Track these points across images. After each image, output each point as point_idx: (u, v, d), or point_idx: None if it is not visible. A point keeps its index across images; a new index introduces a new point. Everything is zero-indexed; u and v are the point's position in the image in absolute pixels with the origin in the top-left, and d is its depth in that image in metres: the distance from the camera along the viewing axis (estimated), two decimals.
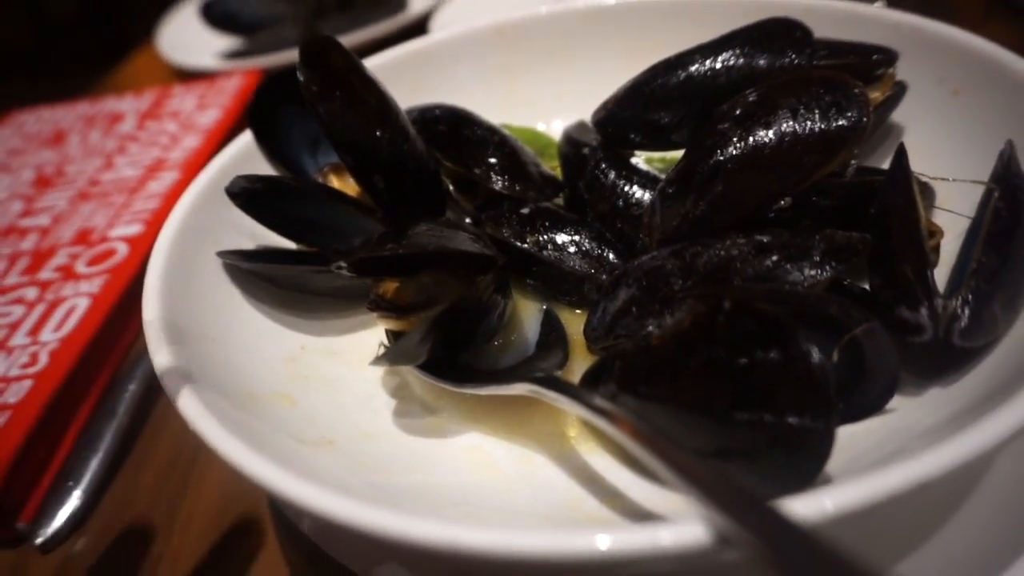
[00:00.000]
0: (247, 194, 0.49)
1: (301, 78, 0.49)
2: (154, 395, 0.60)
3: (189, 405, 0.32)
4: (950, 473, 0.25)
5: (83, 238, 0.75)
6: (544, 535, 0.24)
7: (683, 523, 0.25)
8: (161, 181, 0.83)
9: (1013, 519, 0.34)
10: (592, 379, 0.41)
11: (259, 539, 0.47)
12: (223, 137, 0.90)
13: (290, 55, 1.07)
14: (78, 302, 0.65)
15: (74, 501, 0.52)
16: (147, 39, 1.33)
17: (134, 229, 0.75)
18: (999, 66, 0.45)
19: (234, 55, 1.13)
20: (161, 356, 0.36)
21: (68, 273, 0.69)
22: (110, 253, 0.72)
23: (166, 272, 0.43)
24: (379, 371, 0.48)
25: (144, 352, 0.61)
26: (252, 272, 0.49)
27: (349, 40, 1.04)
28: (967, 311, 0.34)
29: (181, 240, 0.46)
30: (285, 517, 0.46)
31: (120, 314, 0.66)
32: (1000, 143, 0.42)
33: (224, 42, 1.16)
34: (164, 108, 1.00)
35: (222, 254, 0.48)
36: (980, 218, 0.37)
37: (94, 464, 0.54)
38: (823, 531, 0.24)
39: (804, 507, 0.25)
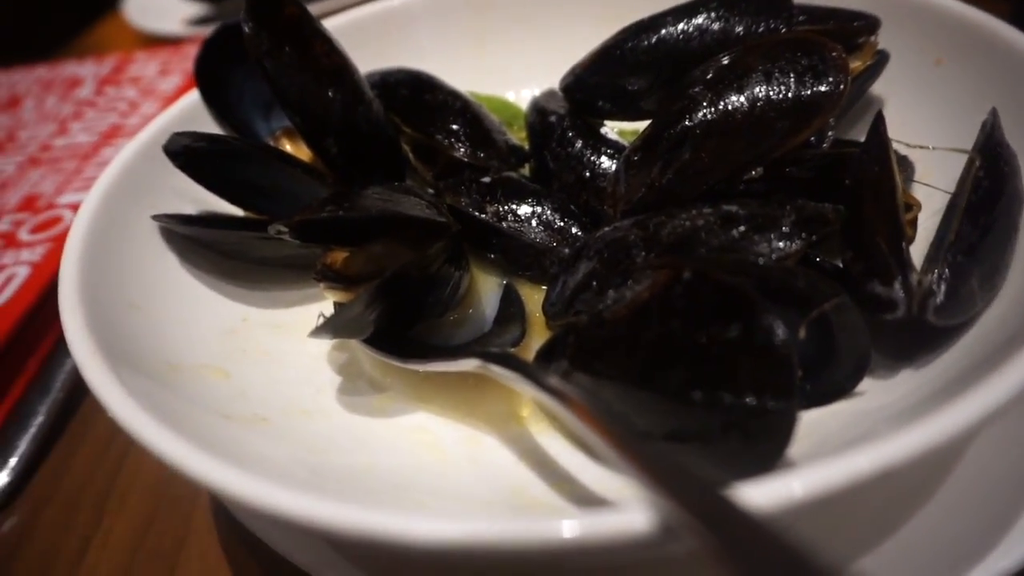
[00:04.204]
0: (188, 153, 0.46)
1: (247, 30, 0.46)
2: None
3: (94, 374, 0.29)
4: (919, 458, 0.23)
5: (29, 205, 0.71)
6: (460, 524, 0.21)
7: (625, 512, 0.22)
8: (116, 148, 0.79)
9: (983, 513, 0.31)
10: (546, 355, 0.38)
11: (194, 523, 0.44)
12: None
13: None
14: (17, 271, 0.61)
15: (1, 479, 0.49)
16: (115, 5, 1.28)
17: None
18: (985, 33, 0.42)
19: (202, 21, 1.09)
20: (72, 321, 0.33)
21: (9, 240, 0.66)
22: (55, 221, 0.68)
23: (90, 233, 0.40)
24: (326, 346, 0.45)
25: None
26: (191, 237, 0.46)
27: (319, 8, 1.00)
28: (943, 287, 0.31)
29: (111, 200, 0.43)
30: (221, 503, 0.44)
31: None
32: (984, 114, 0.39)
33: (193, 8, 1.12)
34: (125, 74, 0.95)
35: (158, 217, 0.45)
36: (960, 192, 0.35)
37: (25, 441, 0.51)
38: (778, 522, 0.22)
39: (760, 495, 0.23)
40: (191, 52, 0.98)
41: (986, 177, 0.34)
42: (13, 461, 0.50)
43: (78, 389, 0.55)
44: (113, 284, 0.38)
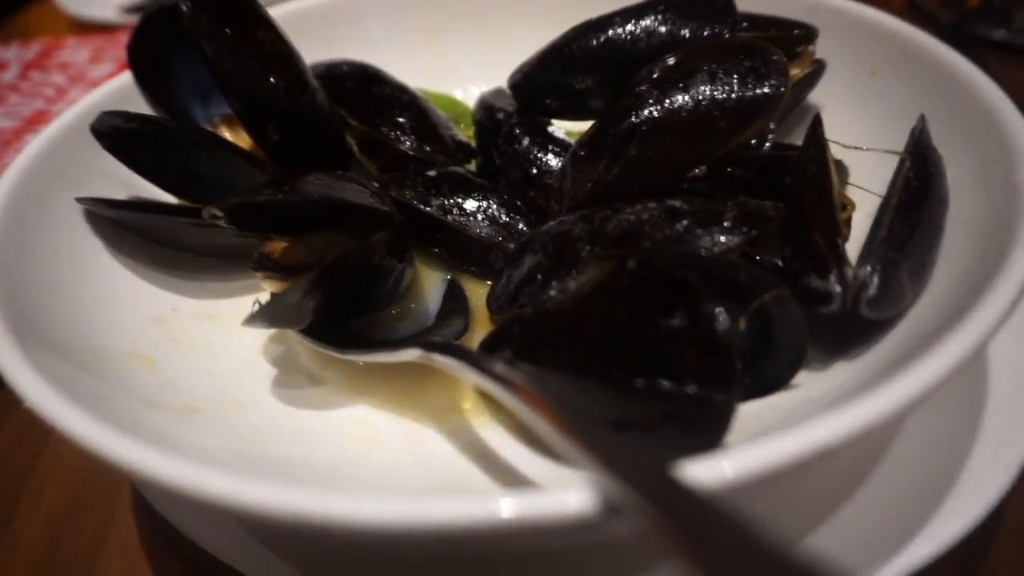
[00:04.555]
0: (118, 134, 0.44)
1: (185, 10, 0.45)
2: None
3: (4, 352, 0.27)
4: (853, 438, 0.23)
5: None
6: (398, 504, 0.21)
7: (568, 492, 0.22)
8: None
9: (918, 491, 0.33)
10: (490, 346, 0.38)
11: (115, 523, 0.42)
12: None
13: None
14: None
15: None
16: None
17: None
18: (918, 47, 0.44)
19: (137, 9, 1.05)
20: None
21: None
22: None
23: (7, 214, 0.37)
24: (261, 338, 0.44)
25: None
26: (118, 221, 0.43)
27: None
28: (876, 280, 0.32)
29: (31, 181, 0.40)
30: (146, 500, 0.42)
31: None
32: (913, 122, 0.41)
33: None
34: (53, 59, 0.91)
35: (83, 200, 0.42)
36: (891, 192, 0.36)
37: None
38: (723, 499, 0.22)
39: (703, 472, 0.23)
40: (126, 40, 0.95)
41: (916, 178, 0.35)
42: None
43: None
44: (31, 267, 0.36)
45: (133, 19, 1.01)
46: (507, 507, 0.21)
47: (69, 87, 0.84)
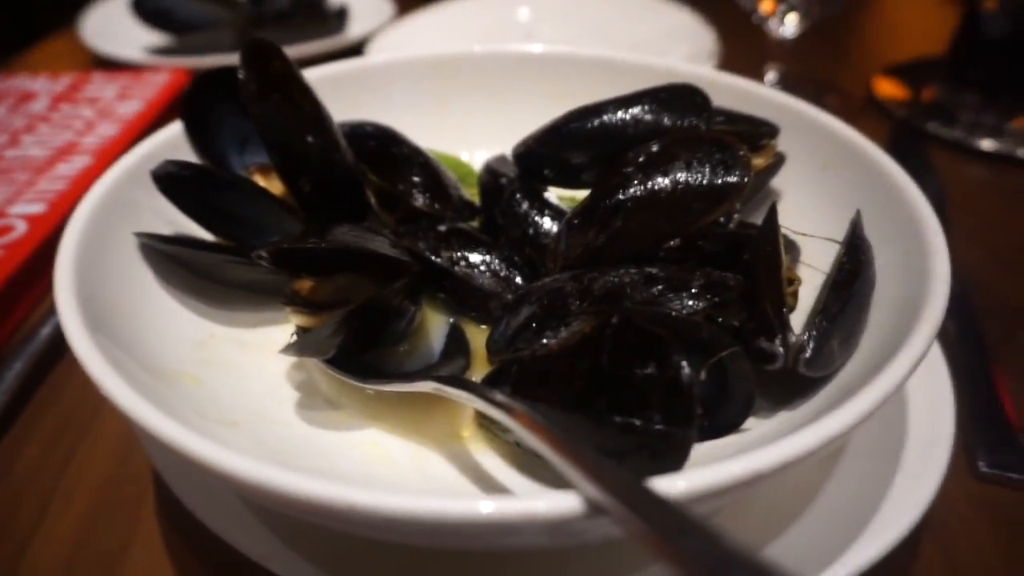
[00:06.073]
0: (172, 179, 0.50)
1: (241, 77, 0.51)
2: (40, 374, 0.58)
3: (94, 362, 0.33)
4: (782, 465, 0.30)
5: None
6: (434, 500, 0.27)
7: (560, 495, 0.28)
8: (71, 164, 0.81)
9: (852, 515, 0.39)
10: (491, 382, 0.44)
11: (140, 524, 0.47)
12: (143, 130, 0.89)
13: (222, 58, 1.07)
14: None
15: None
16: (66, 25, 1.29)
17: (36, 208, 0.73)
18: (860, 149, 0.52)
19: (162, 51, 1.12)
20: (70, 316, 0.37)
21: None
22: (6, 230, 0.69)
23: (82, 241, 0.43)
24: (285, 364, 0.49)
25: (32, 332, 0.60)
26: (168, 255, 0.49)
27: (300, 51, 1.05)
28: (811, 344, 0.39)
29: (100, 214, 0.46)
30: (168, 499, 0.47)
31: (10, 293, 0.64)
32: (855, 210, 0.49)
33: (153, 37, 1.15)
34: (81, 93, 0.97)
35: (139, 234, 0.48)
36: (830, 273, 0.44)
37: None
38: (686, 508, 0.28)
39: (666, 485, 0.29)
40: (152, 79, 1.02)
41: (848, 263, 0.43)
42: None
43: (24, 392, 0.56)
44: (101, 290, 0.42)
45: (157, 59, 1.08)
46: (513, 506, 0.27)
47: (97, 121, 0.90)
